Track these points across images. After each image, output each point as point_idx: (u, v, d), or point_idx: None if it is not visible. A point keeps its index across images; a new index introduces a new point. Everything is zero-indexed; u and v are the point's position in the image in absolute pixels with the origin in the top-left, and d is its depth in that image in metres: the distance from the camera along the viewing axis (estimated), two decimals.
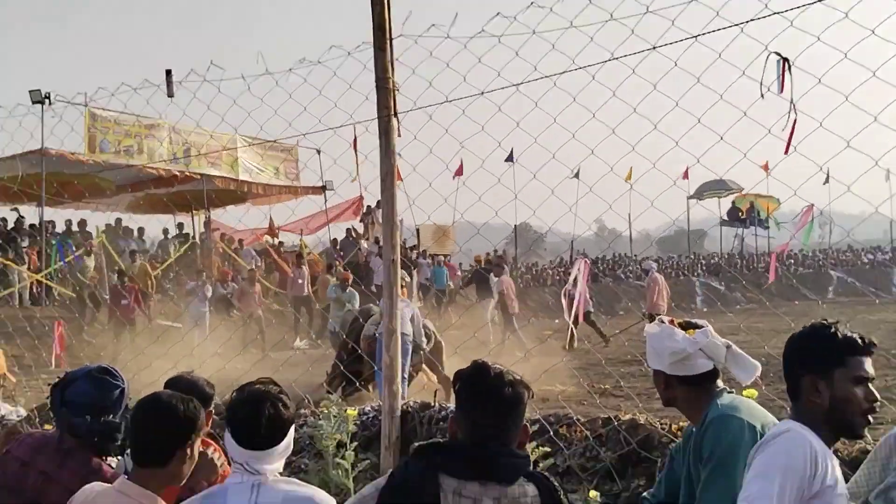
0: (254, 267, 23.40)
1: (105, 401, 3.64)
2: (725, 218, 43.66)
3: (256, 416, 3.06)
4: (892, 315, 21.79)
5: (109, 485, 3.23)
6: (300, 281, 21.88)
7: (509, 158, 19.89)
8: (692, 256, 44.53)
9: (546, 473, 2.88)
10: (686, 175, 29.51)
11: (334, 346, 15.26)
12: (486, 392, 2.76)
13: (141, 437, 3.20)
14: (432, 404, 6.51)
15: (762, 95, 4.56)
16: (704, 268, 43.47)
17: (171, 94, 7.40)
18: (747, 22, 4.80)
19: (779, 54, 4.68)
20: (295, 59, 6.74)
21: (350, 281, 17.55)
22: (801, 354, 2.94)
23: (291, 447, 3.23)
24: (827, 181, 26.35)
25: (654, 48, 5.10)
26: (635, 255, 43.23)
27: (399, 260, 6.00)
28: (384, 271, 6.03)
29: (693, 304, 37.10)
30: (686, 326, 3.55)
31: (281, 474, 3.15)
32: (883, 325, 20.60)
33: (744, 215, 43.23)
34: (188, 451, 3.18)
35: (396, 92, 6.01)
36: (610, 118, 5.69)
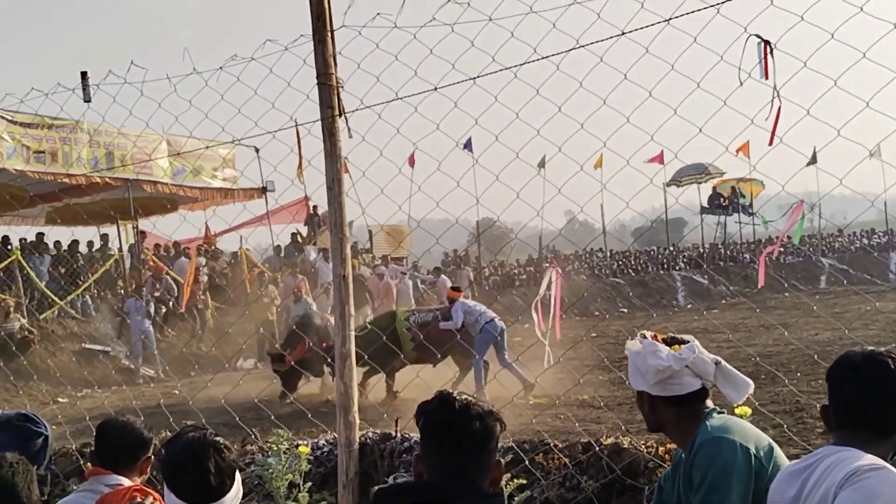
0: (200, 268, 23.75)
1: (27, 451, 3.57)
2: (706, 205, 43.85)
3: (201, 469, 3.03)
4: (891, 304, 22.04)
5: None
6: (265, 300, 22.01)
7: (467, 146, 20.07)
8: (672, 248, 44.68)
9: None
10: (661, 160, 29.51)
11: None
12: (451, 428, 2.71)
13: None
14: (393, 434, 6.44)
15: (741, 83, 4.57)
16: (685, 260, 43.66)
17: (87, 100, 7.24)
18: (723, 2, 4.81)
19: (759, 36, 4.69)
20: (226, 56, 6.65)
21: (302, 291, 18.48)
22: None
23: (241, 493, 3.21)
24: (813, 161, 26.63)
25: (623, 34, 5.09)
26: (611, 250, 43.35)
27: (350, 275, 5.94)
28: (335, 289, 5.96)
29: (674, 300, 37.34)
30: (671, 342, 3.54)
31: None
32: (881, 316, 20.86)
33: (726, 201, 43.51)
34: None
35: (340, 89, 5.95)
36: (577, 109, 5.68)
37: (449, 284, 24.51)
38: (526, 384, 13.38)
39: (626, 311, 32.73)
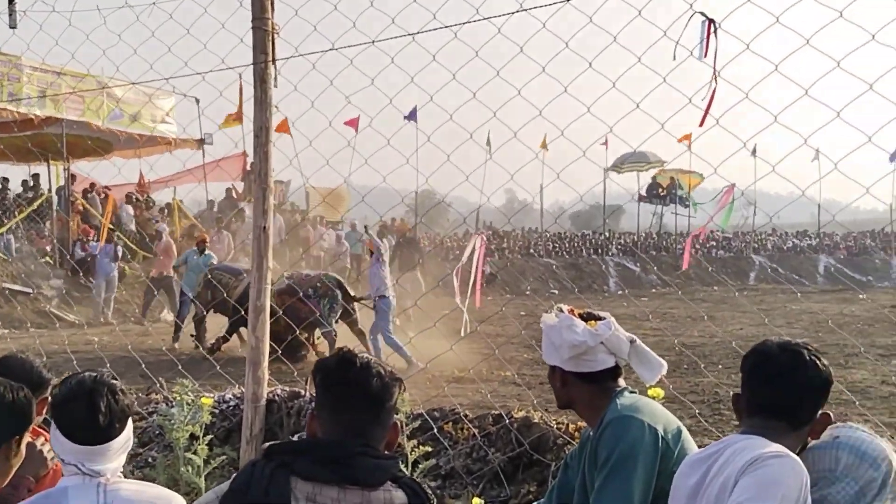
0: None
1: None
2: (644, 194, 44.20)
3: (91, 406, 2.92)
4: (816, 305, 22.46)
5: None
6: (219, 247, 21.13)
7: (411, 116, 19.80)
8: (607, 234, 45.05)
9: (417, 479, 2.76)
10: (606, 144, 29.58)
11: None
12: (350, 385, 2.63)
13: None
14: (302, 393, 6.34)
15: (674, 57, 4.49)
16: (620, 247, 44.05)
17: (13, 25, 6.98)
18: None
19: (704, 14, 4.61)
20: None
21: (207, 243, 17.52)
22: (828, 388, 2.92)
23: (131, 442, 3.09)
24: (754, 154, 26.87)
25: (568, 0, 4.98)
26: (546, 231, 43.51)
27: (270, 227, 5.78)
28: (254, 240, 5.81)
29: (605, 285, 37.63)
30: (587, 317, 3.48)
31: (125, 469, 3.03)
32: (805, 316, 21.23)
33: (664, 192, 43.93)
34: (14, 446, 3.00)
35: (276, 35, 5.79)
36: (518, 78, 5.57)
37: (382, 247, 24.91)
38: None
39: (556, 292, 32.84)
